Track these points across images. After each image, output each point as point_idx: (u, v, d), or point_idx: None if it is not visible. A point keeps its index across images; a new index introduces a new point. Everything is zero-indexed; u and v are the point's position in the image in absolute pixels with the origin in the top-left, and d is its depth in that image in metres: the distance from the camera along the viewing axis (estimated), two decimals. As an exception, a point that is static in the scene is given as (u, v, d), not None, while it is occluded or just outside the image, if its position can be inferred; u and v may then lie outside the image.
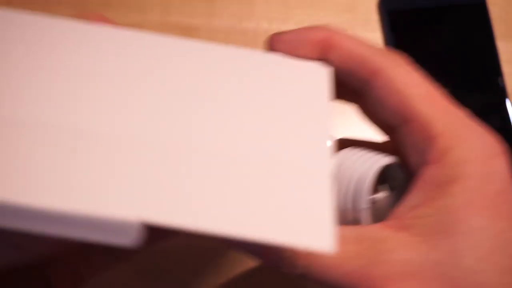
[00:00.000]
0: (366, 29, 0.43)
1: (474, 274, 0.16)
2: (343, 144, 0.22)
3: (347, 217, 0.19)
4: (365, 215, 0.19)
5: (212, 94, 0.11)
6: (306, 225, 0.11)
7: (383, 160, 0.19)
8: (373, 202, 0.20)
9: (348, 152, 0.20)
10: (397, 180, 0.20)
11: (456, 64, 0.42)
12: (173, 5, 0.42)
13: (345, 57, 0.19)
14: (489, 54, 0.42)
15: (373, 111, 0.20)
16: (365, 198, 0.19)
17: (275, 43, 0.19)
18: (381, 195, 0.20)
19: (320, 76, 0.16)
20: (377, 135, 0.22)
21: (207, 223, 0.09)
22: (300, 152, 0.12)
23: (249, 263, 0.37)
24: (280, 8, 0.43)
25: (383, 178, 0.20)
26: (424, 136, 0.18)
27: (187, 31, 0.41)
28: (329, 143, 0.14)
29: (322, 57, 0.19)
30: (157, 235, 0.16)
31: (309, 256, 0.17)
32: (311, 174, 0.12)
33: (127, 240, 0.09)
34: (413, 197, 0.18)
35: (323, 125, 0.14)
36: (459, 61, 0.42)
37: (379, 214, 0.19)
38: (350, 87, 0.20)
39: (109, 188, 0.09)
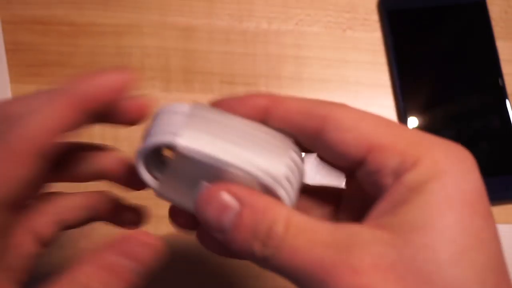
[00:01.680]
0: (366, 29, 0.43)
1: (448, 269, 0.16)
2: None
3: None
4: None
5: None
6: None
7: None
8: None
9: None
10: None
11: (456, 64, 0.42)
12: (172, 5, 0.42)
13: (289, 117, 0.20)
14: (489, 54, 0.42)
15: (332, 154, 0.20)
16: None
17: (222, 108, 0.21)
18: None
19: None
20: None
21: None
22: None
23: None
24: (280, 8, 0.43)
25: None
26: (392, 155, 0.18)
27: (186, 31, 0.41)
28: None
29: (265, 121, 0.21)
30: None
31: (282, 238, 0.18)
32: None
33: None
34: (389, 200, 0.18)
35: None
36: (459, 61, 0.42)
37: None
38: (304, 141, 0.21)
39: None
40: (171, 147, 0.20)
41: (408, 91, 0.41)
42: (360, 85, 0.41)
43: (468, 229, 0.17)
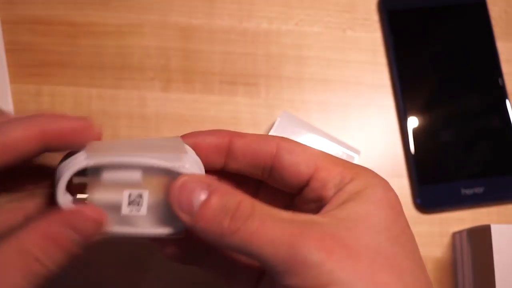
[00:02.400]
0: (366, 29, 0.43)
1: (387, 247, 0.21)
2: None
3: None
4: None
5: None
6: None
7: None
8: None
9: None
10: None
11: (456, 64, 0.42)
12: (172, 5, 0.42)
13: (248, 147, 0.25)
14: (489, 54, 0.42)
15: (286, 174, 0.24)
16: None
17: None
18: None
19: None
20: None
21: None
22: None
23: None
24: (280, 8, 0.43)
25: None
26: (334, 174, 0.24)
27: (187, 31, 0.41)
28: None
29: (224, 158, 0.25)
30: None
31: (250, 213, 0.21)
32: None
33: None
34: (333, 203, 0.23)
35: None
36: (459, 61, 0.42)
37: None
38: (260, 168, 0.25)
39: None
40: (85, 171, 0.23)
41: (408, 91, 0.41)
42: (360, 85, 0.41)
43: (394, 222, 0.22)
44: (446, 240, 0.39)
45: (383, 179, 0.24)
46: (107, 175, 0.23)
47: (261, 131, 0.40)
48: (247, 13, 0.42)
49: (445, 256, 0.38)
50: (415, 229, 0.24)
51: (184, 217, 0.21)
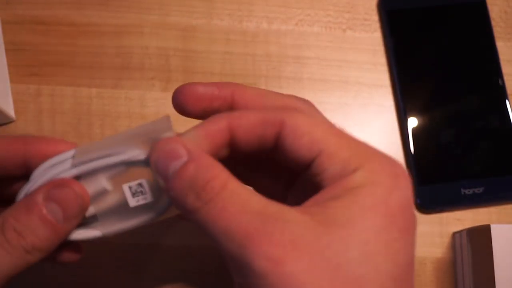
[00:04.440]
0: (366, 29, 0.43)
1: (354, 266, 0.18)
2: None
3: None
4: None
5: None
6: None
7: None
8: None
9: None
10: None
11: (456, 64, 0.42)
12: (172, 5, 0.42)
13: (251, 129, 0.22)
14: (489, 54, 0.42)
15: (287, 157, 0.22)
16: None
17: (187, 96, 0.23)
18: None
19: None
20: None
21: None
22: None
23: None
24: (280, 8, 0.43)
25: None
26: (335, 162, 0.20)
27: (186, 31, 0.41)
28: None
29: (232, 136, 0.22)
30: None
31: (215, 194, 0.19)
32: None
33: None
34: (323, 195, 0.20)
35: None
36: (459, 61, 0.42)
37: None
38: (263, 148, 0.22)
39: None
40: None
41: (408, 91, 0.41)
42: (360, 85, 0.41)
43: (382, 236, 0.18)
44: (446, 240, 0.39)
45: (397, 170, 0.20)
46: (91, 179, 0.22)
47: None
48: (247, 13, 0.42)
49: (445, 256, 0.38)
50: (415, 229, 0.24)
51: (160, 181, 0.20)
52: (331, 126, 0.22)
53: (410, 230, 0.19)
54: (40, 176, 0.22)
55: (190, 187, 0.19)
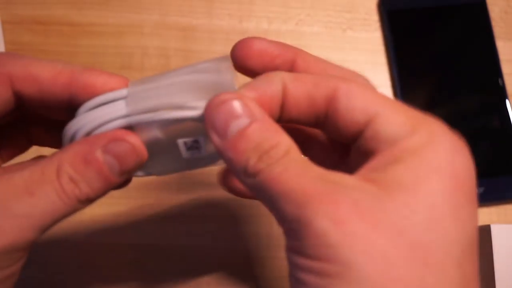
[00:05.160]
0: (366, 29, 0.43)
1: (420, 231, 0.17)
2: None
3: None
4: None
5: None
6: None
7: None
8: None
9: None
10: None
11: (456, 64, 0.42)
12: (172, 5, 0.42)
13: (304, 88, 0.21)
14: (489, 54, 0.42)
15: (340, 121, 0.20)
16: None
17: (249, 50, 0.23)
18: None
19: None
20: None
21: None
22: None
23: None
24: (280, 8, 0.43)
25: None
26: (392, 123, 0.19)
27: (186, 31, 0.41)
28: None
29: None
30: None
31: (278, 158, 0.18)
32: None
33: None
34: (381, 159, 0.19)
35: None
36: (459, 61, 0.42)
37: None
38: (316, 113, 0.21)
39: None
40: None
41: (408, 91, 0.41)
42: (360, 85, 0.41)
43: (450, 201, 0.17)
44: (446, 240, 0.39)
45: (455, 136, 0.19)
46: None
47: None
48: (247, 13, 0.42)
49: (445, 256, 0.38)
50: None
51: (215, 138, 0.19)
52: (384, 95, 0.21)
53: (474, 198, 0.18)
54: (88, 117, 0.21)
55: (253, 149, 0.18)
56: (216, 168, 0.25)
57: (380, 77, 0.42)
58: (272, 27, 0.42)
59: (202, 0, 0.42)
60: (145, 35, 0.41)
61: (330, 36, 0.42)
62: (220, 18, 0.42)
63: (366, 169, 0.19)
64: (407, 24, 0.42)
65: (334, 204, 0.17)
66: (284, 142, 0.19)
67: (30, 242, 0.20)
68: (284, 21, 0.42)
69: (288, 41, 0.42)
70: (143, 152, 0.21)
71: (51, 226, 0.20)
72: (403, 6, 0.42)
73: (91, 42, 0.41)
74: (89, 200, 0.21)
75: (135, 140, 0.21)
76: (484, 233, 0.34)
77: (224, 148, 0.19)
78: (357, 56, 0.42)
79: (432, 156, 0.18)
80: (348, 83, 0.20)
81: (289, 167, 0.18)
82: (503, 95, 0.41)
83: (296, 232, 0.17)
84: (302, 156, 0.19)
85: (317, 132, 0.24)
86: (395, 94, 0.41)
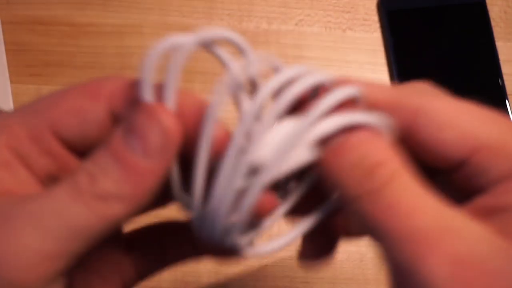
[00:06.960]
0: (366, 29, 0.43)
1: None
2: None
3: None
4: None
5: None
6: None
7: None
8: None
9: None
10: None
11: (456, 64, 0.42)
12: (172, 5, 0.42)
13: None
14: (489, 54, 0.42)
15: (425, 154, 0.17)
16: None
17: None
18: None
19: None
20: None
21: None
22: None
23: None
24: (280, 8, 0.43)
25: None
26: (501, 157, 0.16)
27: (186, 31, 0.41)
28: None
29: None
30: None
31: (385, 186, 0.15)
32: None
33: None
34: (491, 198, 0.16)
35: None
36: (459, 61, 0.42)
37: None
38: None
39: None
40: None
41: (408, 91, 0.41)
42: (360, 85, 0.42)
43: None
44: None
45: None
46: None
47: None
48: (246, 13, 0.42)
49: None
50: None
51: (314, 151, 0.16)
52: (481, 111, 0.17)
53: None
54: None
55: (355, 166, 0.15)
56: None
57: (380, 77, 0.42)
58: (272, 27, 0.42)
59: (202, 0, 0.42)
60: (145, 35, 0.41)
61: (330, 36, 0.42)
62: (220, 18, 0.42)
63: (475, 207, 0.16)
64: (407, 24, 0.42)
65: (456, 265, 0.14)
66: (394, 159, 0.16)
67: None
68: (284, 21, 0.42)
69: (288, 41, 0.42)
70: (175, 131, 0.17)
71: (90, 243, 0.15)
72: (403, 6, 0.42)
73: (91, 42, 0.41)
74: (113, 196, 0.15)
75: (168, 115, 0.17)
76: None
77: (318, 161, 0.16)
78: (357, 56, 0.42)
79: None
80: (432, 102, 0.17)
81: (400, 199, 0.15)
82: (503, 95, 0.41)
83: (405, 277, 0.14)
84: (415, 178, 0.16)
85: None
86: (395, 94, 0.41)
